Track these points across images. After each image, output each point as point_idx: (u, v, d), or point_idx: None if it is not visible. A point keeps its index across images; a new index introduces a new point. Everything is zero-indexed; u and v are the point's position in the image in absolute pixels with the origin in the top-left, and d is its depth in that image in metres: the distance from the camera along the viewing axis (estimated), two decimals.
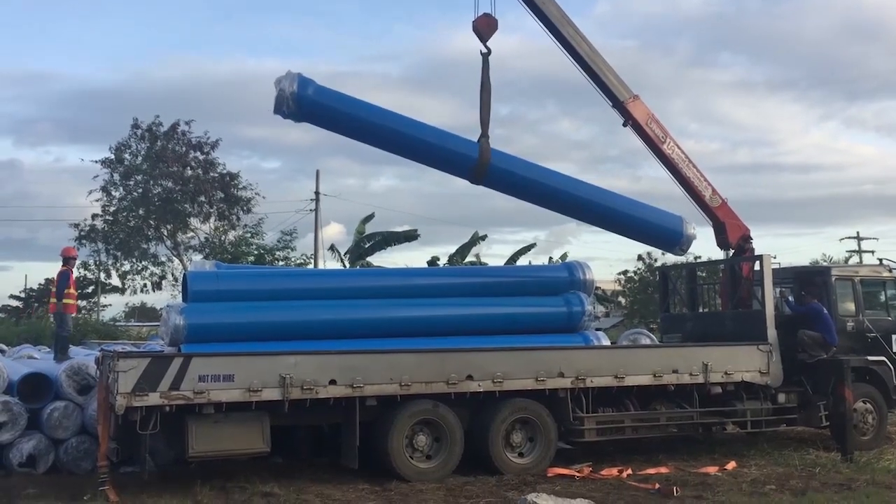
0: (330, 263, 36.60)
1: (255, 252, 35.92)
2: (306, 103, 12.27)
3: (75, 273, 16.24)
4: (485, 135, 12.88)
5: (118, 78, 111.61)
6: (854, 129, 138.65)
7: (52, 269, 15.23)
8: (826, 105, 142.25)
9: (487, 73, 12.95)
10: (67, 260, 15.32)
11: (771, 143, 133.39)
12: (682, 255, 14.17)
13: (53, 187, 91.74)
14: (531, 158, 13.88)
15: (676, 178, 14.21)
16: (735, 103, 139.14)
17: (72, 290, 15.13)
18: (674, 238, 13.73)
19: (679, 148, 14.12)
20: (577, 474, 11.44)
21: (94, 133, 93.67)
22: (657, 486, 10.58)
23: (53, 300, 15.06)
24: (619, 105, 13.92)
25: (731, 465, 12.09)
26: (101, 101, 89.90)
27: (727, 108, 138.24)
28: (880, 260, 15.50)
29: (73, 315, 16.30)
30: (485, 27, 12.89)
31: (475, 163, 12.88)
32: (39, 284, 53.39)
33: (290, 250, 37.16)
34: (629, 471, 11.59)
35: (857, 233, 54.00)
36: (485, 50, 12.95)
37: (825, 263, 38.65)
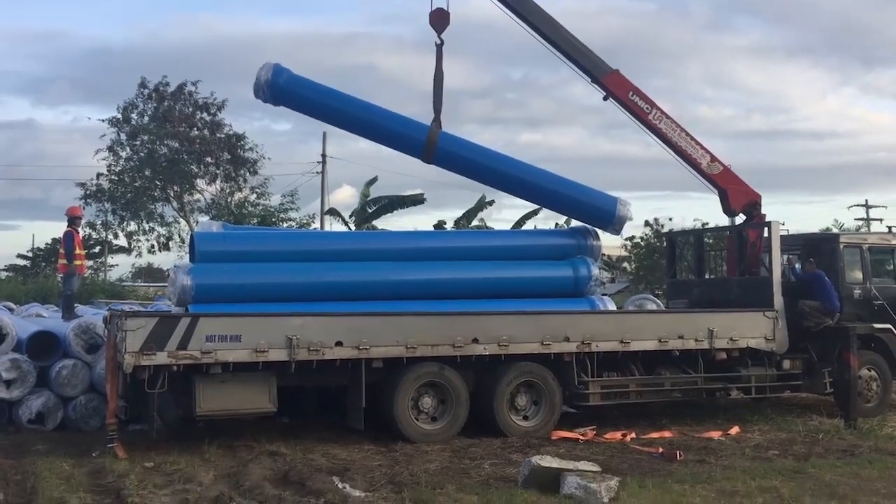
0: (336, 227, 36.48)
1: (260, 213, 35.89)
2: (278, 91, 13.12)
3: (81, 233, 16.19)
4: (436, 119, 13.40)
5: (130, 37, 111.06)
6: (870, 96, 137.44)
7: (60, 228, 15.28)
8: (843, 71, 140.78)
9: (441, 63, 13.50)
10: (73, 220, 15.23)
11: (786, 109, 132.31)
12: (616, 234, 14.49)
13: (67, 147, 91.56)
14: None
15: (669, 147, 14.18)
16: (751, 69, 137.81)
17: (79, 251, 15.12)
18: (607, 218, 14.01)
19: (667, 117, 14.07)
20: (581, 438, 11.50)
21: (108, 93, 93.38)
22: (661, 450, 10.63)
23: (63, 261, 15.04)
24: (597, 81, 14.02)
25: (735, 430, 12.14)
26: (114, 61, 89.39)
27: (743, 74, 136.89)
28: (889, 228, 15.44)
29: (83, 275, 16.27)
30: (438, 21, 13.49)
31: (424, 144, 13.38)
32: (46, 244, 53.38)
33: (294, 211, 37.15)
34: (633, 435, 11.66)
35: (866, 201, 53.65)
36: (438, 41, 13.49)
37: (835, 230, 38.49)
